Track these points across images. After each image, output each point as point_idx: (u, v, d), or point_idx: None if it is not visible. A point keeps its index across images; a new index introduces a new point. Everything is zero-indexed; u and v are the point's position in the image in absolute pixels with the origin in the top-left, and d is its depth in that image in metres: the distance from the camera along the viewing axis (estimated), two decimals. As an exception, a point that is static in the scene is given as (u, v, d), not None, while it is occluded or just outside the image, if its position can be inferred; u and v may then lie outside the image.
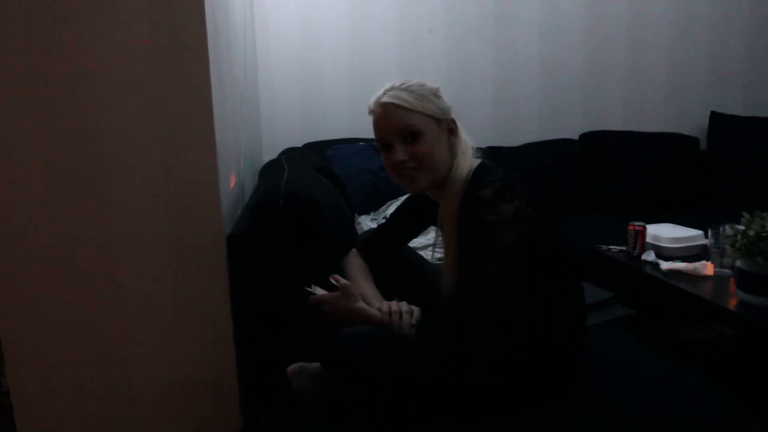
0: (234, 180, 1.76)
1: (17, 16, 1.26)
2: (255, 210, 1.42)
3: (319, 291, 1.31)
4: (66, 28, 1.28)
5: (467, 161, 1.25)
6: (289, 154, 2.38)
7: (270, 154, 2.71)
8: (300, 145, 2.93)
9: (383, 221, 2.44)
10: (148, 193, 1.39)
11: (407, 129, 1.22)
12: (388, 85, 1.26)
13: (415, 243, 2.21)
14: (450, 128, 1.26)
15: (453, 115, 1.27)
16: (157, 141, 1.38)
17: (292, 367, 1.30)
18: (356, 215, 2.50)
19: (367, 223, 2.48)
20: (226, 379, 1.49)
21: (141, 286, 1.42)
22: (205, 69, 1.38)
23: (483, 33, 3.17)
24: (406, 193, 2.51)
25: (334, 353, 1.21)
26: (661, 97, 3.44)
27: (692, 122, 3.43)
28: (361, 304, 1.27)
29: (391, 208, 2.54)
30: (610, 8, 3.28)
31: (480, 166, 1.25)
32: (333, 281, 1.29)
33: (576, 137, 3.25)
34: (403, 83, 1.25)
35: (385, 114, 1.24)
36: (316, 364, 1.30)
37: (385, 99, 1.24)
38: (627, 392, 1.27)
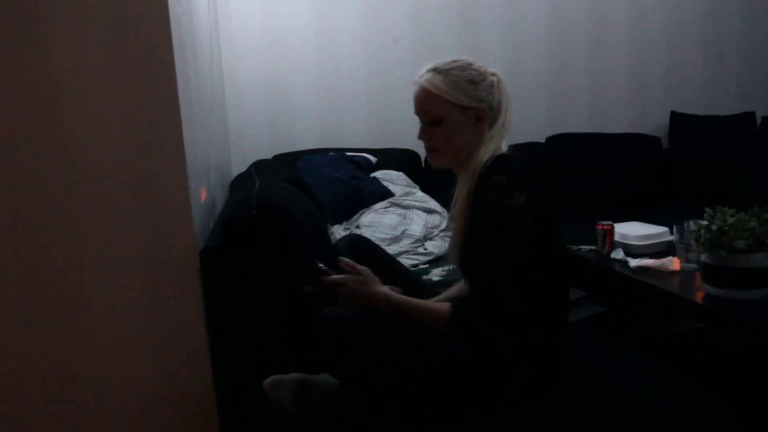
0: (205, 194, 1.75)
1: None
2: (228, 222, 1.41)
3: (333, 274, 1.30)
4: (31, 42, 1.26)
5: (490, 150, 1.30)
6: (258, 166, 2.37)
7: (239, 167, 2.69)
8: (269, 157, 2.91)
9: (355, 229, 2.45)
10: (118, 209, 1.36)
11: (429, 113, 1.31)
12: (434, 63, 1.33)
13: (392, 250, 2.22)
14: (478, 116, 1.30)
15: (504, 105, 1.32)
16: (126, 155, 1.36)
17: (268, 381, 1.29)
18: (329, 225, 2.49)
19: (339, 232, 2.48)
20: (203, 396, 1.47)
21: (113, 303, 1.39)
22: (173, 83, 1.37)
23: (447, 40, 3.21)
24: (377, 201, 2.55)
25: (319, 333, 1.23)
26: (623, 99, 3.52)
27: (654, 122, 3.51)
28: (385, 289, 1.30)
29: (363, 216, 2.55)
30: (571, 13, 3.35)
31: (501, 156, 1.30)
32: (344, 266, 1.32)
33: (543, 140, 3.31)
34: (448, 63, 1.31)
35: (417, 94, 1.32)
36: (293, 375, 1.29)
37: (420, 79, 1.31)
38: (603, 389, 1.29)
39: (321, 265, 1.32)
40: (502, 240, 1.19)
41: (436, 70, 1.30)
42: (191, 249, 1.42)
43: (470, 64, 1.32)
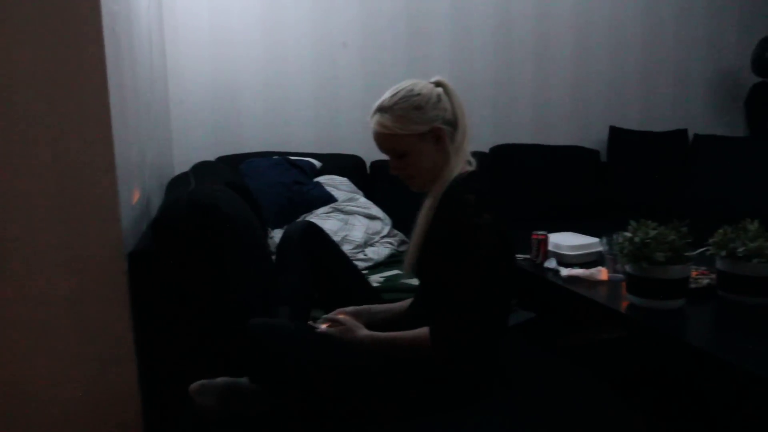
0: (137, 195, 1.71)
1: None
2: (157, 224, 1.39)
3: (322, 326, 1.41)
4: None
5: (460, 162, 1.35)
6: (198, 168, 2.34)
7: (181, 168, 2.64)
8: (213, 158, 2.87)
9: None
10: (41, 207, 1.33)
11: (392, 150, 1.35)
12: (378, 102, 1.35)
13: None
14: (437, 136, 1.33)
15: (458, 112, 1.36)
16: (52, 152, 1.32)
17: (194, 385, 1.28)
18: (270, 229, 2.48)
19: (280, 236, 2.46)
20: (128, 399, 1.44)
21: (35, 305, 1.35)
22: (103, 78, 1.34)
23: (396, 47, 3.24)
24: (319, 206, 2.55)
25: (247, 344, 1.24)
26: (565, 112, 3.62)
27: (593, 136, 3.63)
28: (366, 331, 1.36)
29: (305, 220, 2.54)
30: (517, 25, 3.43)
31: (471, 173, 1.36)
32: (336, 320, 1.40)
33: (487, 150, 3.37)
34: (391, 98, 1.33)
35: (374, 137, 1.38)
36: (220, 380, 1.28)
37: (372, 124, 1.35)
38: (530, 395, 1.33)
39: (310, 322, 1.45)
40: (472, 257, 1.23)
41: (382, 110, 1.34)
42: (118, 251, 1.40)
43: (411, 90, 1.34)
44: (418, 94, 1.32)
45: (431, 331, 1.26)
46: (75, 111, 1.33)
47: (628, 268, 1.72)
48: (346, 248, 2.39)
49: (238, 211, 1.58)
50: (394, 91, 1.34)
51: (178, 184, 1.89)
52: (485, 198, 1.27)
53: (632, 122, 3.65)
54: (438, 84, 1.38)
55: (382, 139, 1.36)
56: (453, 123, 1.35)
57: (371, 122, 1.36)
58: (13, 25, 1.26)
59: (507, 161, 3.33)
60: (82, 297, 1.38)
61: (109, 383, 1.42)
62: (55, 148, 1.32)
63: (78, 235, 1.36)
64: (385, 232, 2.54)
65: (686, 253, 1.60)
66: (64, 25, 1.30)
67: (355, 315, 1.48)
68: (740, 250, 1.63)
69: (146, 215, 1.86)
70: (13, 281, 1.33)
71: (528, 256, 2.21)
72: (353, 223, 2.49)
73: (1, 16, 1.25)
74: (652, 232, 1.63)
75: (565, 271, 2.01)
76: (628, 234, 1.70)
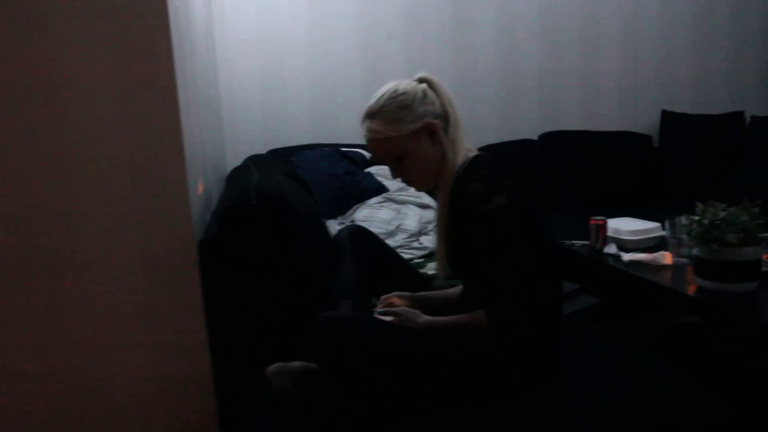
0: (201, 186, 1.75)
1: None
2: (227, 213, 1.42)
3: (386, 318, 1.41)
4: (31, 40, 1.26)
5: (458, 154, 1.32)
6: (255, 160, 2.37)
7: (234, 161, 2.69)
8: (264, 152, 2.91)
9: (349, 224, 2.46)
10: (116, 201, 1.36)
11: (388, 155, 1.33)
12: (365, 109, 1.34)
13: (394, 241, 2.24)
14: (430, 131, 1.31)
15: (446, 104, 1.33)
16: (124, 146, 1.35)
17: (272, 368, 1.31)
18: (323, 220, 2.50)
19: (334, 227, 2.48)
20: (202, 386, 1.47)
21: (112, 295, 1.39)
22: (171, 74, 1.36)
23: (441, 37, 3.23)
24: (372, 197, 2.57)
25: (317, 339, 1.25)
26: (615, 97, 3.55)
27: (644, 121, 3.55)
28: (425, 317, 1.35)
29: (358, 211, 2.56)
30: (564, 12, 3.38)
31: (473, 159, 1.32)
32: (393, 311, 1.40)
33: (535, 137, 3.33)
34: (376, 102, 1.32)
35: (368, 144, 1.37)
36: (296, 363, 1.30)
37: (363, 132, 1.34)
38: (600, 380, 1.31)
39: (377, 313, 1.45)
40: (499, 239, 1.21)
41: (371, 116, 1.32)
42: (190, 240, 1.42)
43: (396, 90, 1.32)
44: (403, 93, 1.31)
45: (486, 313, 1.26)
46: (146, 107, 1.36)
47: (696, 250, 1.68)
48: (401, 237, 2.40)
49: (302, 201, 1.60)
50: (379, 95, 1.33)
51: (239, 175, 1.92)
52: (492, 181, 1.24)
53: (685, 105, 3.56)
54: (422, 80, 1.36)
55: (376, 144, 1.34)
56: (443, 116, 1.33)
57: (362, 130, 1.35)
58: (83, 23, 1.29)
59: (556, 148, 3.29)
60: (156, 287, 1.41)
61: (183, 369, 1.45)
62: (129, 143, 1.36)
63: (151, 226, 1.39)
64: (438, 221, 2.54)
65: (760, 234, 1.56)
66: (134, 22, 1.33)
67: (412, 301, 1.49)
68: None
69: (208, 207, 1.89)
70: (90, 273, 1.37)
71: (586, 242, 2.19)
72: (406, 213, 2.50)
73: (72, 16, 1.28)
74: (722, 213, 1.60)
75: (627, 256, 1.98)
76: (695, 216, 1.66)
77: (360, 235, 1.62)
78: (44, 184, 1.31)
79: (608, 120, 3.51)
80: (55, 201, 1.32)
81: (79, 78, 1.31)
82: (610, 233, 2.15)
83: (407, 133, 1.30)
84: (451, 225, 1.31)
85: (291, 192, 1.55)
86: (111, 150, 1.35)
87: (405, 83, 1.34)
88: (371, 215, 2.47)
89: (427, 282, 1.73)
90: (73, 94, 1.30)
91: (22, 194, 1.30)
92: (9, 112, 1.27)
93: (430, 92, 1.33)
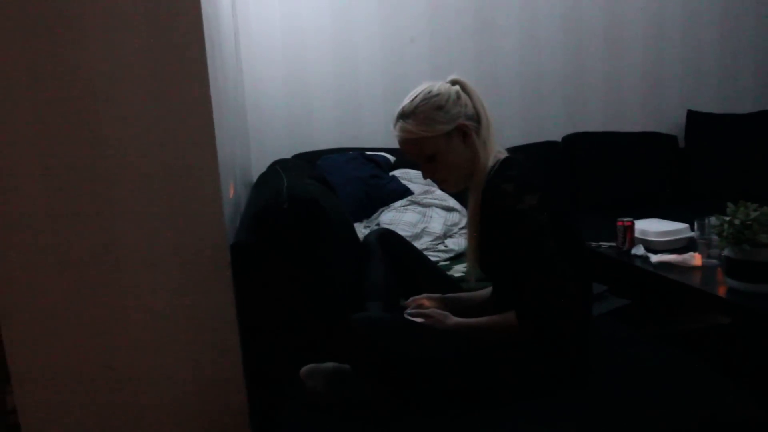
0: (233, 190, 1.78)
1: (16, 17, 1.26)
2: (259, 216, 1.44)
3: (417, 319, 1.41)
4: (68, 44, 1.30)
5: (489, 155, 1.35)
6: (282, 164, 2.40)
7: (259, 166, 2.72)
8: (289, 156, 2.95)
9: (375, 227, 2.47)
10: (151, 204, 1.40)
11: (420, 155, 1.35)
12: (398, 109, 1.36)
13: (419, 244, 2.25)
14: (463, 133, 1.33)
15: (478, 106, 1.36)
16: (158, 149, 1.39)
17: (305, 369, 1.32)
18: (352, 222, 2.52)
19: (360, 230, 2.50)
20: (234, 387, 1.50)
21: (147, 297, 1.43)
22: (205, 80, 1.40)
23: (464, 41, 3.24)
24: (397, 200, 2.58)
25: (352, 339, 1.27)
26: (638, 98, 3.53)
27: (670, 121, 3.52)
28: (455, 320, 1.36)
29: (383, 215, 2.57)
30: (586, 13, 3.37)
31: (504, 160, 1.34)
32: (414, 309, 1.42)
33: (559, 139, 3.32)
34: (411, 102, 1.33)
35: (400, 144, 1.37)
36: (328, 365, 1.32)
37: (396, 132, 1.35)
38: (632, 381, 1.30)
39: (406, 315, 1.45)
40: (530, 238, 1.23)
41: (404, 116, 1.34)
42: (222, 243, 1.45)
43: (429, 91, 1.34)
44: (437, 94, 1.33)
45: (517, 314, 1.27)
46: (181, 111, 1.39)
47: (726, 251, 1.67)
48: (426, 240, 2.41)
49: (331, 203, 1.62)
50: (413, 96, 1.35)
51: (268, 179, 1.95)
52: (524, 181, 1.26)
53: (711, 105, 3.52)
54: (454, 82, 1.38)
55: (409, 145, 1.35)
56: (475, 118, 1.35)
57: (394, 131, 1.36)
58: (120, 36, 1.33)
59: (580, 150, 3.27)
60: (190, 288, 1.44)
61: (216, 370, 1.48)
62: (165, 149, 1.39)
63: (186, 230, 1.42)
64: (463, 223, 2.54)
65: (793, 235, 1.54)
66: (169, 30, 1.37)
67: (442, 302, 1.50)
68: None
69: (237, 211, 1.93)
70: (128, 275, 1.41)
71: (613, 244, 2.18)
72: (431, 215, 2.51)
73: (109, 29, 1.32)
74: (754, 213, 1.58)
75: (655, 258, 1.97)
76: (726, 217, 1.65)
77: (388, 237, 1.64)
78: (81, 186, 1.35)
79: (633, 121, 3.49)
80: (92, 202, 1.36)
81: (115, 82, 1.34)
82: (637, 234, 2.14)
83: (441, 133, 1.31)
84: (483, 226, 1.32)
85: (321, 195, 1.57)
86: (144, 152, 1.38)
87: (438, 85, 1.35)
88: (396, 218, 2.49)
89: (455, 284, 1.74)
90: (109, 98, 1.34)
91: (59, 196, 1.34)
92: (47, 115, 1.31)
93: (462, 94, 1.35)
